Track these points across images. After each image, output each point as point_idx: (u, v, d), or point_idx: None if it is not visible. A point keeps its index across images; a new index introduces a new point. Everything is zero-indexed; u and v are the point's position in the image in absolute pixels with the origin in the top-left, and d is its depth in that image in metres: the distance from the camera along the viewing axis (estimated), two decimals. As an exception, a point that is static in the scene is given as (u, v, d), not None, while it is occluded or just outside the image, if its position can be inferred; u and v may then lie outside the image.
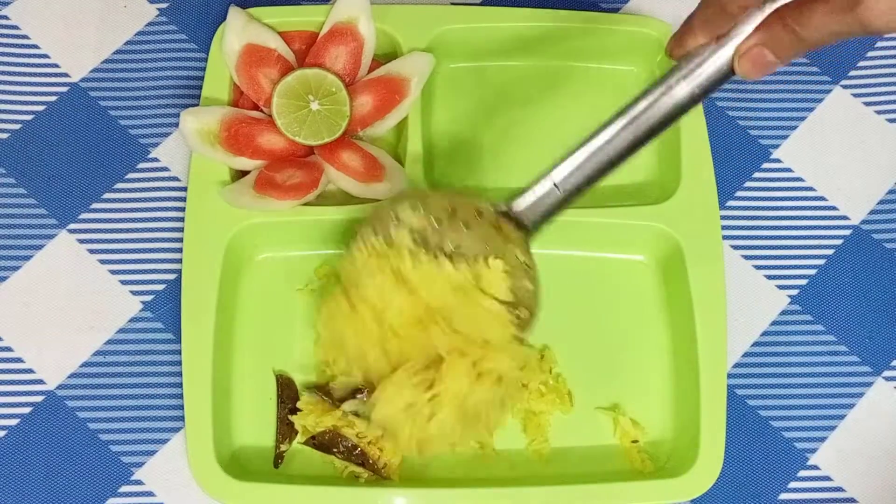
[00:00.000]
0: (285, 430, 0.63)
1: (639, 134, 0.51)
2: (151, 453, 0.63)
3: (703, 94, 0.50)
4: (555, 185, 0.53)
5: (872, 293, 0.68)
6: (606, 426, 0.65)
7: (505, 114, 0.71)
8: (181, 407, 0.62)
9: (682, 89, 0.50)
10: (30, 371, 0.64)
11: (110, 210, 0.68)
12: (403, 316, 0.52)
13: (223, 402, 0.63)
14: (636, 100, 0.51)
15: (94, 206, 0.68)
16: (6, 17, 0.72)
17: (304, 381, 0.64)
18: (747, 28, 0.47)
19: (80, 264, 0.67)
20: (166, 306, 0.66)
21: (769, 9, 0.47)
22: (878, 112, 0.72)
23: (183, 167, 0.69)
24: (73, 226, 0.67)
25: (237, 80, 0.67)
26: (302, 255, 0.67)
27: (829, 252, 0.69)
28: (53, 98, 0.70)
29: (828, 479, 0.64)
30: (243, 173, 0.67)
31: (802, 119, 0.72)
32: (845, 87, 0.73)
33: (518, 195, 0.54)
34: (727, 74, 0.49)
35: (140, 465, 0.63)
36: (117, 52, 0.72)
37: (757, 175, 0.71)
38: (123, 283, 0.66)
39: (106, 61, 0.71)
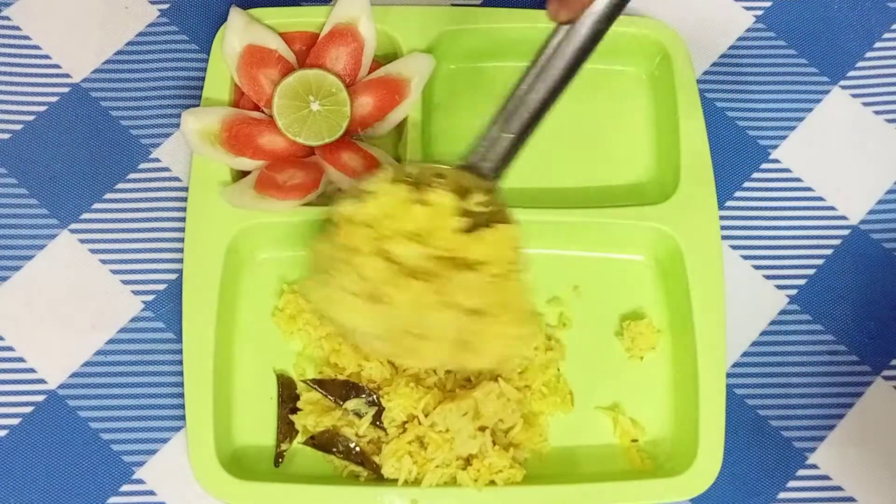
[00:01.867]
0: (286, 430, 0.63)
1: (563, 66, 0.55)
2: (152, 452, 0.63)
3: (607, 24, 0.54)
4: (502, 130, 0.57)
5: (871, 293, 0.68)
6: (606, 426, 0.65)
7: (505, 114, 0.72)
8: (182, 406, 0.62)
9: (586, 24, 0.54)
10: (31, 370, 0.65)
11: (112, 210, 0.68)
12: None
13: (224, 401, 0.63)
14: (548, 41, 0.55)
15: (96, 206, 0.68)
16: (8, 18, 0.72)
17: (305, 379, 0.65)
18: None
19: (82, 264, 0.67)
20: (167, 306, 0.66)
21: None
22: (877, 112, 0.72)
23: (184, 167, 0.69)
24: (74, 226, 0.68)
25: (238, 80, 0.68)
26: (302, 255, 0.67)
27: (828, 252, 0.69)
28: (55, 98, 0.71)
29: (826, 478, 0.64)
30: (244, 174, 0.67)
31: (801, 119, 0.72)
32: (844, 87, 0.73)
33: (472, 149, 0.57)
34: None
35: (141, 464, 0.63)
36: (118, 52, 0.72)
37: (756, 175, 0.71)
38: (125, 282, 0.67)
39: (107, 62, 0.72)
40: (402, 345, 0.54)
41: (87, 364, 0.65)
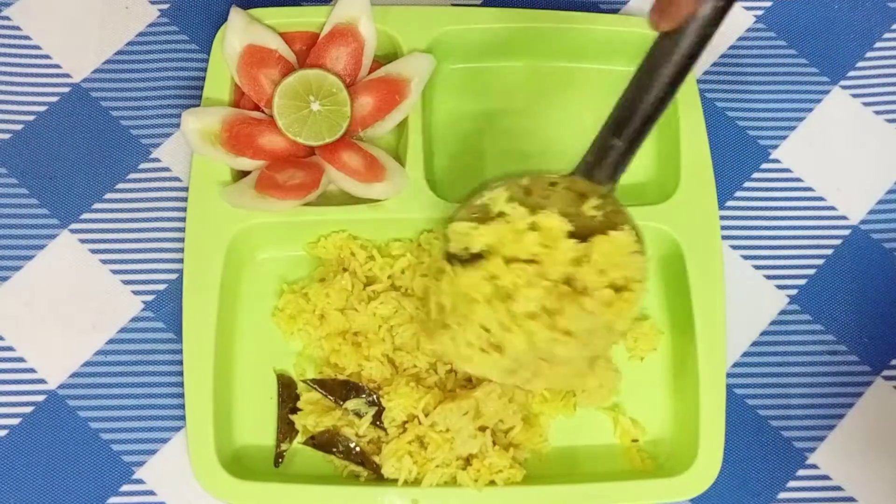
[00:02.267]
0: (286, 430, 0.63)
1: (671, 74, 0.53)
2: (152, 452, 0.63)
3: (713, 29, 0.52)
4: (613, 138, 0.55)
5: (871, 293, 0.68)
6: (606, 425, 0.65)
7: (505, 114, 0.72)
8: (182, 406, 0.62)
9: (692, 28, 0.52)
10: (31, 371, 0.65)
11: (112, 210, 0.68)
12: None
13: (224, 401, 0.63)
14: (654, 48, 0.53)
15: (96, 206, 0.68)
16: (8, 18, 0.72)
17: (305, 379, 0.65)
18: None
19: (82, 264, 0.67)
20: (167, 306, 0.66)
21: None
22: (877, 112, 0.72)
23: (184, 167, 0.69)
24: (74, 226, 0.68)
25: (238, 80, 0.68)
26: (302, 255, 0.67)
27: (828, 252, 0.69)
28: (55, 98, 0.71)
29: (826, 478, 0.64)
30: (244, 174, 0.67)
31: (801, 119, 0.72)
32: (844, 87, 0.73)
33: (583, 158, 0.56)
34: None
35: (141, 464, 0.63)
36: (119, 52, 0.72)
37: (756, 175, 0.71)
38: (125, 282, 0.67)
39: (107, 62, 0.72)
40: (528, 373, 0.55)
41: (87, 364, 0.65)
